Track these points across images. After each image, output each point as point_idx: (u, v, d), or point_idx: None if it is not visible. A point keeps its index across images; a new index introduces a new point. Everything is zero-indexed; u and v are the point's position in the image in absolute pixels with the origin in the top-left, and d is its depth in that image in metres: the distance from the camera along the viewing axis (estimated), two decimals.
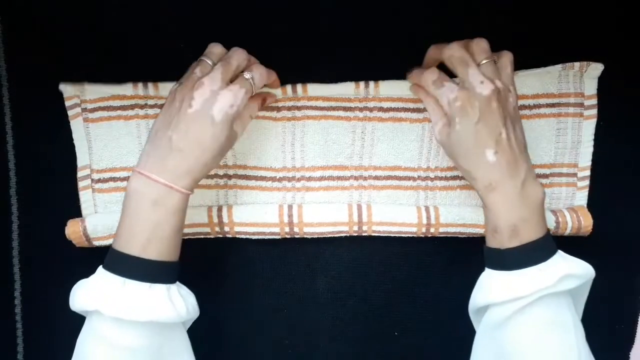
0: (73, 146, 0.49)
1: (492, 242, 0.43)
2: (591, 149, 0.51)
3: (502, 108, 0.41)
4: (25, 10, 0.48)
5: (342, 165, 0.50)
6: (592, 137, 0.50)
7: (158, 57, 0.49)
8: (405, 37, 0.49)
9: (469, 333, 0.52)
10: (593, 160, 0.51)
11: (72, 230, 0.48)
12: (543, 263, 0.41)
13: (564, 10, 0.49)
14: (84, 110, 0.48)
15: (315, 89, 0.49)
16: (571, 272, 0.41)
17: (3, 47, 0.49)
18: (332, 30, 0.49)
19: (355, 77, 0.49)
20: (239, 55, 0.43)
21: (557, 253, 0.42)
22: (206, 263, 0.51)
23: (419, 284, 0.52)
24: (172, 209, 0.41)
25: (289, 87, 0.49)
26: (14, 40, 0.49)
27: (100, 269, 0.41)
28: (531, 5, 0.49)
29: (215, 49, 0.44)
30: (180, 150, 0.40)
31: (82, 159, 0.49)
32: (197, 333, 0.52)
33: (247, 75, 0.43)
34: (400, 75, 0.49)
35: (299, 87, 0.49)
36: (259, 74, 0.43)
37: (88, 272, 0.52)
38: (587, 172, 0.51)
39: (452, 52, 0.42)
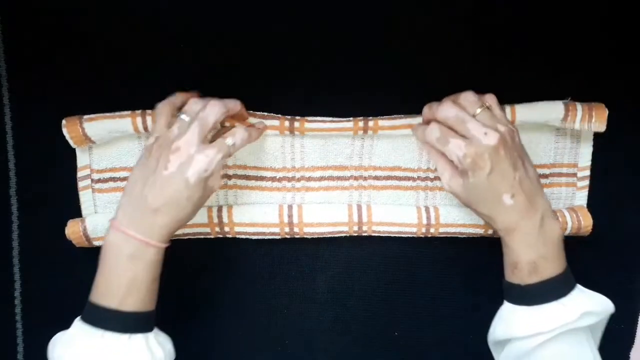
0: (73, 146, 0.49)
1: (512, 278, 0.44)
2: (591, 149, 0.50)
3: (510, 152, 0.42)
4: (25, 10, 0.48)
5: (341, 165, 0.50)
6: (592, 137, 0.50)
7: (158, 57, 0.49)
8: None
9: (469, 333, 0.52)
10: (593, 160, 0.51)
11: (72, 230, 0.48)
12: (564, 298, 0.42)
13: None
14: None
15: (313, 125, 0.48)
16: (592, 310, 0.42)
17: (3, 47, 0.49)
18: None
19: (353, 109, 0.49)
20: (215, 111, 0.42)
21: (577, 287, 0.43)
22: (206, 263, 0.51)
23: (419, 284, 0.52)
24: (148, 262, 0.41)
25: (286, 122, 0.48)
26: (14, 40, 0.49)
27: (78, 321, 0.42)
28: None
29: (195, 106, 0.43)
30: (155, 209, 0.41)
31: (82, 159, 0.49)
32: (196, 333, 0.52)
33: (229, 141, 0.43)
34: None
35: (297, 123, 0.48)
36: (240, 140, 0.44)
37: (88, 272, 0.52)
38: (587, 172, 0.51)
39: (446, 113, 0.43)
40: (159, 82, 0.50)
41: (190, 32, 0.49)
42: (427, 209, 0.49)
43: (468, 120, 0.42)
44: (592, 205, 0.51)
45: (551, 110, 0.47)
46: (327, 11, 0.49)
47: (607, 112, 0.47)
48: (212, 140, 0.43)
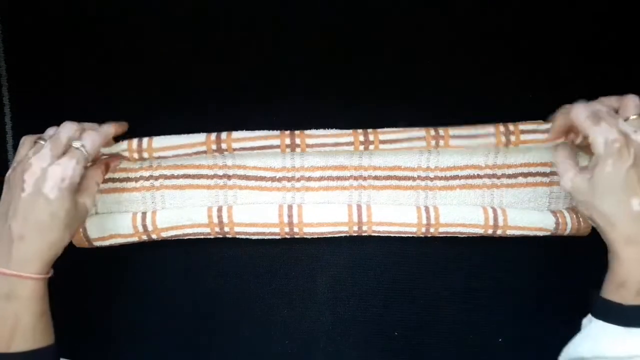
0: None
1: (614, 296, 0.41)
2: None
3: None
4: (25, 11, 0.48)
5: (341, 165, 0.50)
6: None
7: (158, 57, 0.49)
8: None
9: (469, 333, 0.52)
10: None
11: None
12: None
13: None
14: None
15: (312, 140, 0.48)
16: None
17: (3, 47, 0.49)
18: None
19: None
20: (67, 128, 0.42)
21: None
22: (206, 263, 0.51)
23: (419, 284, 0.52)
24: (28, 297, 0.39)
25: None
26: (14, 40, 0.49)
27: None
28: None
29: (50, 130, 0.43)
30: (21, 237, 0.38)
31: None
32: (196, 333, 0.52)
33: (75, 144, 0.41)
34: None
35: (297, 139, 0.47)
36: (90, 140, 0.42)
37: (87, 272, 0.52)
38: None
39: (600, 107, 0.41)
40: (160, 81, 0.50)
41: (190, 32, 0.49)
42: (427, 208, 0.49)
43: (620, 119, 0.41)
44: None
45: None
46: (327, 12, 0.49)
47: None
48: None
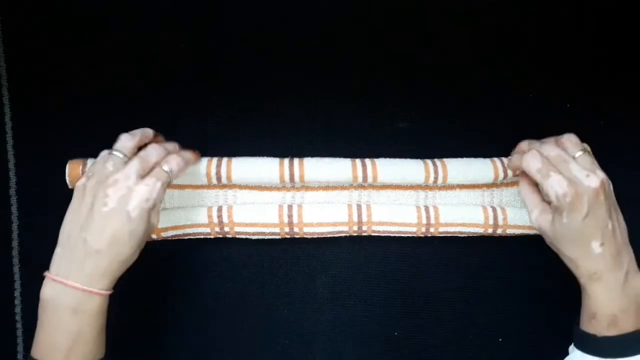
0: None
1: (588, 327, 0.43)
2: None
3: (608, 199, 0.41)
4: (25, 11, 0.48)
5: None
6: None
7: (158, 57, 0.49)
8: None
9: (469, 333, 0.52)
10: None
11: None
12: None
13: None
14: None
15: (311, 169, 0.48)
16: None
17: (3, 47, 0.49)
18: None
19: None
20: (157, 152, 0.42)
21: None
22: (206, 263, 0.51)
23: (419, 284, 0.52)
24: (93, 313, 0.39)
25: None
26: (14, 40, 0.49)
27: None
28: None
29: (128, 142, 0.42)
30: (97, 251, 0.38)
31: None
32: (196, 333, 0.52)
33: (165, 167, 0.41)
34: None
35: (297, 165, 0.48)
36: (176, 165, 0.42)
37: None
38: None
39: (549, 152, 0.43)
40: (159, 81, 0.50)
41: (190, 32, 0.49)
42: (426, 208, 0.49)
43: (570, 161, 0.42)
44: None
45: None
46: (328, 13, 0.49)
47: None
48: None
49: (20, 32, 0.49)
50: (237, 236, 0.49)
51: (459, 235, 0.50)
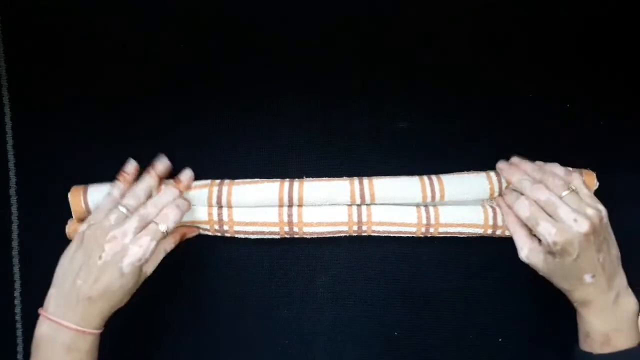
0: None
1: (584, 346, 0.44)
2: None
3: (598, 236, 0.42)
4: (25, 10, 0.48)
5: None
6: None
7: (158, 57, 0.49)
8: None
9: (469, 333, 0.52)
10: (593, 160, 0.51)
11: (73, 229, 0.48)
12: None
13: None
14: None
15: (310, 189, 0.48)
16: None
17: (3, 47, 0.49)
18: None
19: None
20: (155, 210, 0.44)
21: None
22: (206, 263, 0.51)
23: (419, 284, 0.52)
24: (86, 350, 0.41)
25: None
26: (14, 40, 0.49)
27: None
28: None
29: (132, 201, 0.44)
30: (89, 298, 0.41)
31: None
32: (195, 333, 0.52)
33: (162, 227, 0.43)
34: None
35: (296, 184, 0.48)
36: (173, 220, 0.44)
37: None
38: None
39: (538, 195, 0.43)
40: (159, 81, 0.50)
41: (191, 32, 0.49)
42: (426, 208, 0.49)
43: (559, 205, 0.42)
44: None
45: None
46: (328, 13, 0.49)
47: (595, 180, 0.48)
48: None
49: (20, 32, 0.49)
50: (237, 235, 0.49)
51: (458, 235, 0.50)
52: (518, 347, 0.52)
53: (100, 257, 0.41)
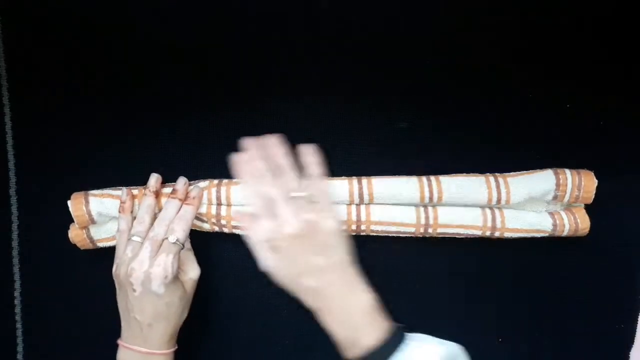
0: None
1: (343, 353, 0.43)
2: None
3: (313, 241, 0.42)
4: (25, 10, 0.48)
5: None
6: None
7: (157, 57, 0.49)
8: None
9: (469, 333, 0.52)
10: (593, 160, 0.51)
11: (75, 233, 0.48)
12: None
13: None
14: None
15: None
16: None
17: (3, 47, 0.49)
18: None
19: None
20: (163, 228, 0.45)
21: (407, 344, 0.42)
22: (206, 262, 0.51)
23: (419, 283, 0.52)
24: None
25: None
26: (14, 40, 0.49)
27: None
28: None
29: (139, 227, 0.45)
30: (149, 325, 0.44)
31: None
32: (195, 333, 0.52)
33: (172, 239, 0.45)
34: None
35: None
36: (182, 232, 0.45)
37: (88, 272, 0.52)
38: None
39: (267, 192, 0.44)
40: (159, 81, 0.50)
41: (191, 32, 0.49)
42: (425, 209, 0.49)
43: (279, 205, 0.43)
44: (591, 205, 0.51)
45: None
46: (328, 13, 0.49)
47: (594, 180, 0.48)
48: None
49: (20, 32, 0.49)
50: (234, 231, 0.49)
51: (457, 236, 0.50)
52: (518, 347, 0.52)
53: (134, 290, 0.43)
